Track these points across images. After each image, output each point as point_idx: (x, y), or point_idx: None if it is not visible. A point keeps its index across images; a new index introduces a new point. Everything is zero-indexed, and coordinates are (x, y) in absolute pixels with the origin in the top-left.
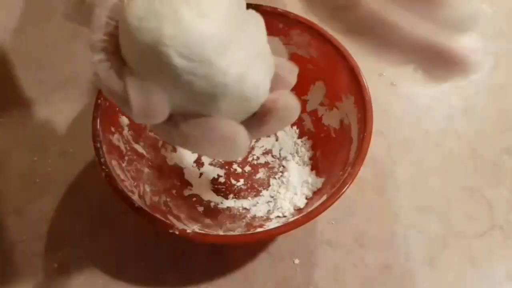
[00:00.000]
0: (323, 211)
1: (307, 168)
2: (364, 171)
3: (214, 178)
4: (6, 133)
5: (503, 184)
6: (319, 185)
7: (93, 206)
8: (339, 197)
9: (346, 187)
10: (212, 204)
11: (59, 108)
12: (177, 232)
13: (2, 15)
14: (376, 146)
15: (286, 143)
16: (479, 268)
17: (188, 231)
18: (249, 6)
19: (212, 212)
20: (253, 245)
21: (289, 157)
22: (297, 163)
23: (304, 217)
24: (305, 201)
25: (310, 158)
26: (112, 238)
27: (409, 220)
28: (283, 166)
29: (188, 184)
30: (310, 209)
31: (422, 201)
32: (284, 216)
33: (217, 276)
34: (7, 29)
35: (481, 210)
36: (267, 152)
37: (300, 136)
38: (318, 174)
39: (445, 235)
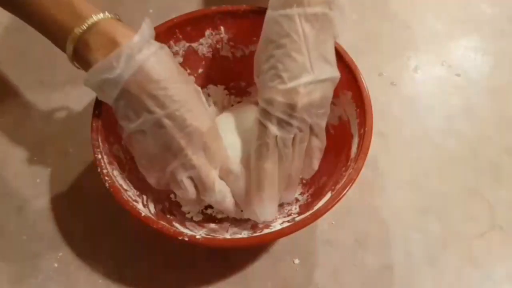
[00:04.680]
0: (331, 207)
1: None
2: (364, 171)
3: None
4: (6, 133)
5: (503, 184)
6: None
7: (93, 206)
8: (345, 193)
9: (351, 183)
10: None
11: (59, 108)
12: (186, 239)
13: (3, 15)
14: (376, 146)
15: None
16: (479, 268)
17: (198, 237)
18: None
19: (216, 216)
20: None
21: None
22: None
23: (313, 215)
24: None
25: None
26: (112, 238)
27: (409, 220)
28: None
29: None
30: (316, 207)
31: (422, 201)
32: (289, 215)
33: (217, 276)
34: (7, 29)
35: (481, 210)
36: None
37: None
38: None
39: (445, 235)
